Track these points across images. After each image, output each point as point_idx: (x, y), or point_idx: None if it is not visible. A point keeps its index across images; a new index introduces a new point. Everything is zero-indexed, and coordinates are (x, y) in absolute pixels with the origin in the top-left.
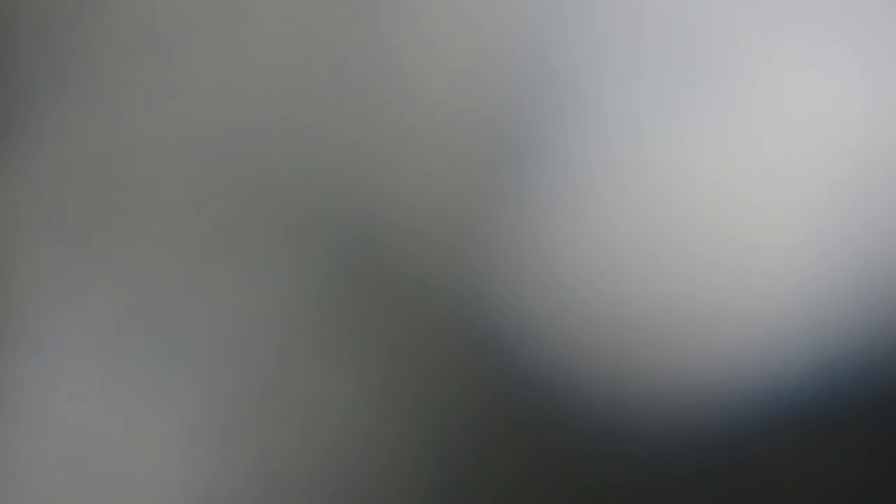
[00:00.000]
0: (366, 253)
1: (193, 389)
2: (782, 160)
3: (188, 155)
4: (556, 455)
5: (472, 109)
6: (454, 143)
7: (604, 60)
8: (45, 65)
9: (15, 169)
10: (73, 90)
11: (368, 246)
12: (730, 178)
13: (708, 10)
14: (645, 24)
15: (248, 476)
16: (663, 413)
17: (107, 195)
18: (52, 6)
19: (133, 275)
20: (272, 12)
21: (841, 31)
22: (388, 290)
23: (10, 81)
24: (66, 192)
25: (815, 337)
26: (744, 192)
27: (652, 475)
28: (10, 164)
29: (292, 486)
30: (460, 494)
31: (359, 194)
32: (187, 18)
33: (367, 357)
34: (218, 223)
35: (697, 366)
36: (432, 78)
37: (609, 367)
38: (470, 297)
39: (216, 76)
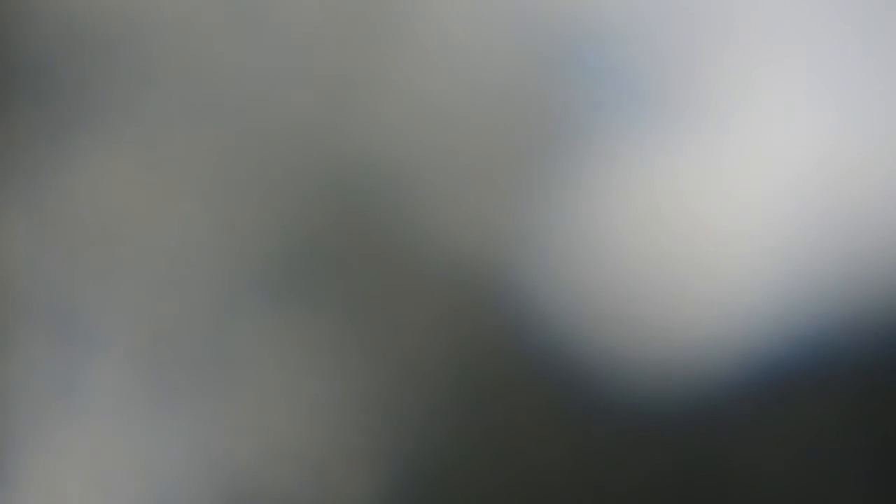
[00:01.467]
0: (391, 230)
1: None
2: (751, 180)
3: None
4: (555, 403)
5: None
6: (479, 123)
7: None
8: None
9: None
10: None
11: (393, 223)
12: (705, 194)
13: (692, 54)
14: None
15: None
16: (653, 377)
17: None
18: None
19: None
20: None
21: (814, 69)
22: (415, 268)
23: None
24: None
25: (771, 322)
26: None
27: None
28: (15, 208)
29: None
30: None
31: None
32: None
33: (397, 340)
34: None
35: (681, 343)
36: (456, 59)
37: (611, 338)
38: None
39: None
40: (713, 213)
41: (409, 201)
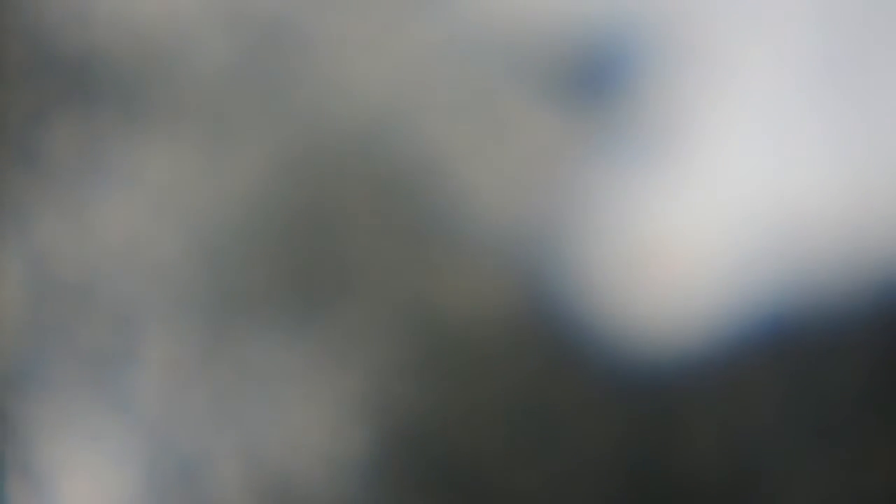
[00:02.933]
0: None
1: None
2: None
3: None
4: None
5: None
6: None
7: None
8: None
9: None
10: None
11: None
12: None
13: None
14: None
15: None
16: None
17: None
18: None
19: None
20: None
21: (772, 98)
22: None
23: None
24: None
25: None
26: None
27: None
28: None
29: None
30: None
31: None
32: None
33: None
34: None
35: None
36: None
37: (600, 323)
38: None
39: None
40: (681, 220)
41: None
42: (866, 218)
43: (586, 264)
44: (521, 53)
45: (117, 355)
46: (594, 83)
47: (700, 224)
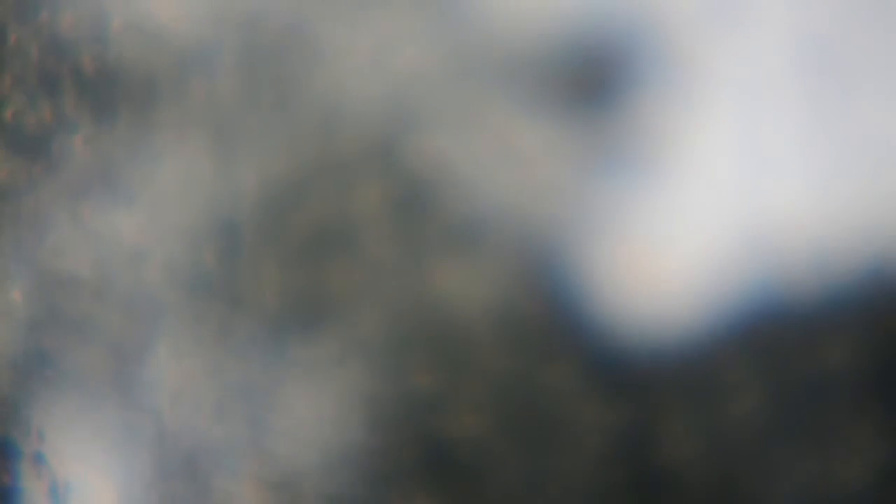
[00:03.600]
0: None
1: None
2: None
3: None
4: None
5: None
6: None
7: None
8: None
9: None
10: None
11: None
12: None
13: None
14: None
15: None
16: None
17: None
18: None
19: None
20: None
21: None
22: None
23: None
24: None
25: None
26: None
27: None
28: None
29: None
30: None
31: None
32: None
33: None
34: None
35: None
36: None
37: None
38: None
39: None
40: (667, 220)
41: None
42: (842, 219)
43: (580, 264)
44: (520, 63)
45: (130, 350)
46: (590, 92)
47: (684, 224)
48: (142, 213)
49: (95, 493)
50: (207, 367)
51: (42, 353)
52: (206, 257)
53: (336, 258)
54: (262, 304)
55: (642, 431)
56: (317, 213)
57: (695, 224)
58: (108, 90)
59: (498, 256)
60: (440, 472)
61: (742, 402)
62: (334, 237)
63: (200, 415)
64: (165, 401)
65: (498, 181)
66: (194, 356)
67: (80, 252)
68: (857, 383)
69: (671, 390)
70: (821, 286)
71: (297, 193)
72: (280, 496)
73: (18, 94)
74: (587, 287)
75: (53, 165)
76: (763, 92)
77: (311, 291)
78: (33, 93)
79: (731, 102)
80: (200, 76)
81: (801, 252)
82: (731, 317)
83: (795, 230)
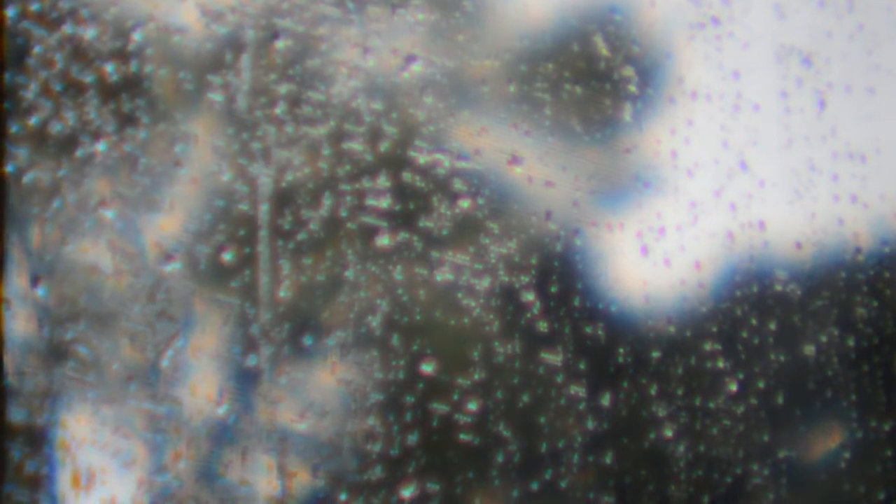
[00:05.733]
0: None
1: None
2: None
3: None
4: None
5: None
6: None
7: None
8: None
9: None
10: None
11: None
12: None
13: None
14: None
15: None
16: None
17: None
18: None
19: None
20: None
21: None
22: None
23: None
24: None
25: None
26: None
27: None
28: None
29: None
30: None
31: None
32: None
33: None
34: None
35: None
36: None
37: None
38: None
39: None
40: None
41: None
42: (819, 225)
43: (579, 263)
44: (515, 71)
45: (152, 342)
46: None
47: (674, 225)
48: (164, 212)
49: (119, 482)
50: (225, 358)
51: (66, 346)
52: (224, 253)
53: (336, 257)
54: (276, 297)
55: (632, 414)
56: (330, 210)
57: (683, 226)
58: (132, 96)
59: (498, 250)
60: (443, 456)
61: (725, 389)
62: (347, 234)
63: (218, 405)
64: (186, 391)
65: (498, 181)
66: (212, 347)
67: (103, 250)
68: (831, 376)
69: (658, 377)
70: (798, 285)
71: (311, 193)
72: (295, 483)
73: (44, 101)
74: (587, 286)
75: (78, 169)
76: (743, 105)
77: (311, 289)
78: (58, 100)
79: (714, 115)
80: (221, 82)
81: (782, 255)
82: (715, 309)
83: (776, 235)
